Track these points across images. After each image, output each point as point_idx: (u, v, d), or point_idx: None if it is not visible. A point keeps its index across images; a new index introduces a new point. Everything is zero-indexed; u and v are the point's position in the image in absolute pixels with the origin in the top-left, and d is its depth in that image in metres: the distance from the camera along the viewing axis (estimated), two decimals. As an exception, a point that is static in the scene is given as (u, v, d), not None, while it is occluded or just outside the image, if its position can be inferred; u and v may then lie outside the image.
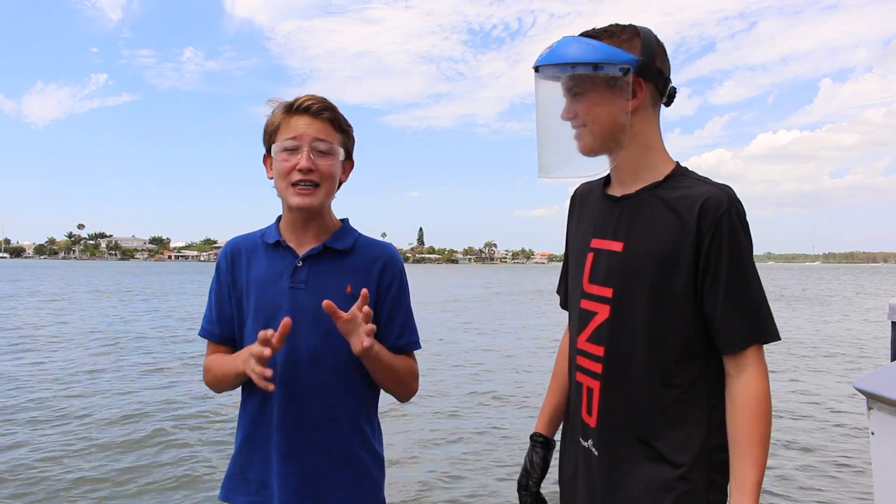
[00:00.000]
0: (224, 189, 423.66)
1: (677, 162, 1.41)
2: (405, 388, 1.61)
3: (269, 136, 1.56)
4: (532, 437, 1.62)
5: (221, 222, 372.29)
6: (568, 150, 1.42)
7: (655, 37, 1.39)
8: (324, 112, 1.53)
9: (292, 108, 1.53)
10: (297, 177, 1.51)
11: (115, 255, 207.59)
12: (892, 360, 3.05)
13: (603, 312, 1.39)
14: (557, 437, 1.62)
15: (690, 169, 1.41)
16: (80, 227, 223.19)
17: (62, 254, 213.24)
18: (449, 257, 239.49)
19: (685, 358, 1.33)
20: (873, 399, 2.17)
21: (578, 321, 1.45)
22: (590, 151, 1.40)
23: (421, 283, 50.94)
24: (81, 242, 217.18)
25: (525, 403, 8.15)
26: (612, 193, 1.45)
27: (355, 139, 1.64)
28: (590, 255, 1.44)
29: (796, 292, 38.84)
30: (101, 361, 10.88)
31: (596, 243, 1.43)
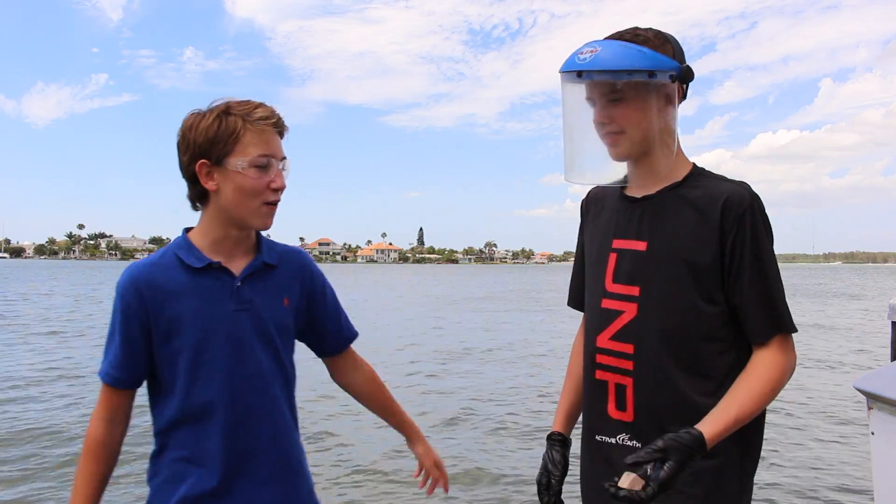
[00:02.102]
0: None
1: (694, 162, 1.45)
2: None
3: (224, 144, 1.40)
4: (549, 436, 1.61)
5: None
6: (599, 155, 1.43)
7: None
8: (283, 127, 1.48)
9: (259, 120, 1.42)
10: (272, 196, 1.44)
11: (115, 255, 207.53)
12: (893, 360, 3.05)
13: (630, 311, 1.41)
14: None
15: (706, 168, 1.45)
16: (80, 227, 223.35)
17: (62, 254, 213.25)
18: (449, 257, 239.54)
19: (717, 350, 1.38)
20: (873, 399, 2.16)
21: (599, 320, 1.46)
22: (625, 157, 1.43)
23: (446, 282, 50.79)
24: (81, 242, 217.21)
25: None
26: (631, 195, 1.48)
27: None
28: (612, 256, 1.46)
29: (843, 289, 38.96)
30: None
31: (618, 244, 1.45)
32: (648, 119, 1.38)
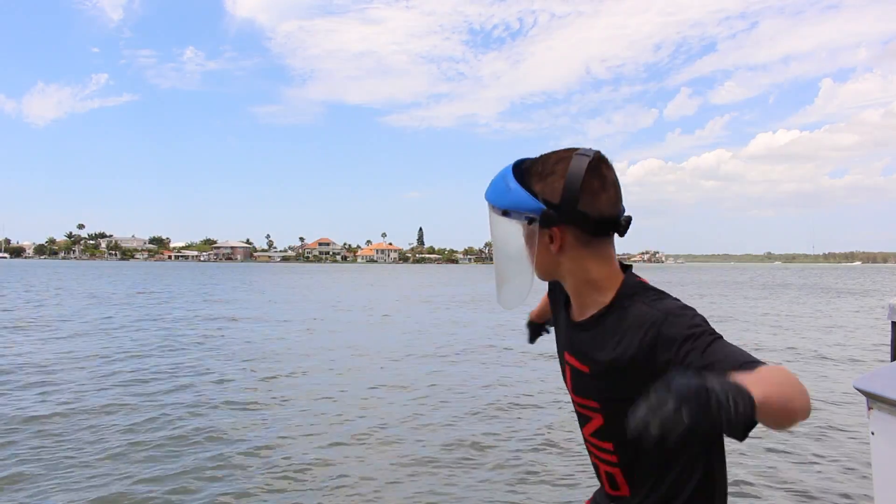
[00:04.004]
0: (224, 189, 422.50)
1: (623, 279, 1.35)
2: None
3: None
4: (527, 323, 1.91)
5: (221, 222, 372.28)
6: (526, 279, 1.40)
7: (589, 171, 1.29)
8: None
9: None
10: None
11: (115, 255, 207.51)
12: (893, 359, 3.05)
13: (597, 419, 1.41)
14: None
15: (636, 276, 1.37)
16: (80, 227, 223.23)
17: (62, 254, 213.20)
18: (449, 257, 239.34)
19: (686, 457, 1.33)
20: (873, 399, 2.17)
21: (579, 416, 1.48)
22: (542, 279, 1.43)
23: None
24: (81, 242, 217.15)
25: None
26: (571, 314, 1.45)
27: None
28: (567, 369, 1.46)
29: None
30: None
31: (568, 358, 1.45)
32: (535, 253, 1.34)
